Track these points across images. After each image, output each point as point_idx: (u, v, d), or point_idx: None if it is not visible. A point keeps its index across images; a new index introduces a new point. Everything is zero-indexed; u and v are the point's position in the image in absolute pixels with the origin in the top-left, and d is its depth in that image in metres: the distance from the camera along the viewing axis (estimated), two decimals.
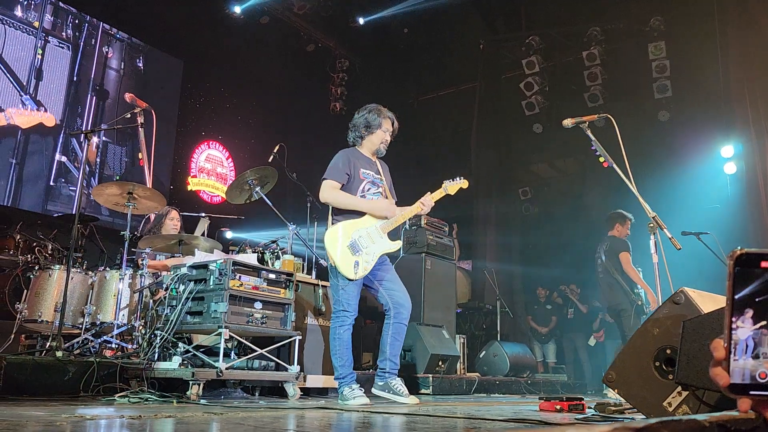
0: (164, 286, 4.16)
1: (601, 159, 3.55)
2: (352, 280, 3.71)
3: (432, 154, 11.17)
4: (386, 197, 4.01)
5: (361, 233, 3.81)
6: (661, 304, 2.21)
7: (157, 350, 3.74)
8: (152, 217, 5.87)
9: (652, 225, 3.29)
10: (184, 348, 3.77)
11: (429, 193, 3.99)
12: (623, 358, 2.23)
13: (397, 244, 3.93)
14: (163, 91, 8.81)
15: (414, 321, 5.90)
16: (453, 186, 4.09)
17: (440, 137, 11.41)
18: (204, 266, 3.87)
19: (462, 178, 4.11)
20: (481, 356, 7.08)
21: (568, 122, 3.67)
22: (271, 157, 5.59)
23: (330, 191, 3.81)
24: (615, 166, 3.46)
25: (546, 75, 9.74)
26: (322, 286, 4.77)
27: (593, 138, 3.59)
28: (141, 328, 4.39)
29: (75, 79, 7.80)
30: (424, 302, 6.19)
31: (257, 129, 9.83)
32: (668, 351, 2.12)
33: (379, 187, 3.99)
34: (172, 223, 5.72)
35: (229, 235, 7.21)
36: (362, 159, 4.00)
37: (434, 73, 11.22)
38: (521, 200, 10.51)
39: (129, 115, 4.89)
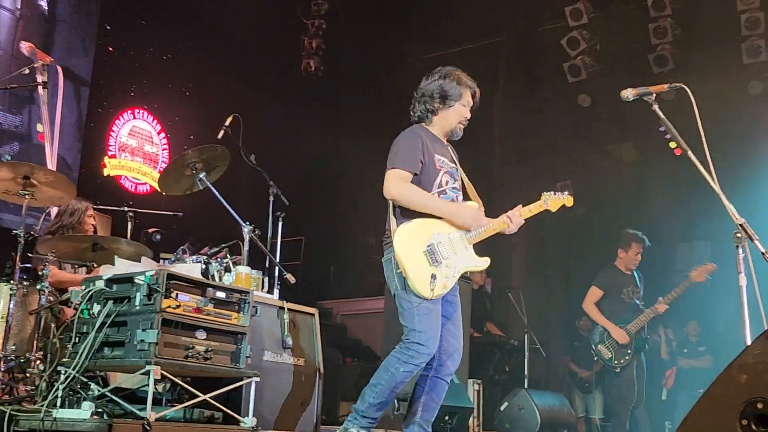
0: (72, 305, 4.14)
1: (673, 144, 3.58)
2: (426, 300, 3.73)
3: None
4: (465, 197, 4.07)
5: (442, 238, 3.86)
6: (751, 342, 2.24)
7: (60, 394, 3.73)
8: (54, 211, 5.85)
9: (739, 235, 3.32)
10: (98, 391, 3.76)
11: (520, 206, 4.06)
12: (697, 414, 2.26)
13: (485, 262, 4.01)
14: (73, 42, 8.77)
15: None
16: (555, 201, 4.17)
17: None
18: (127, 280, 3.87)
19: (567, 193, 4.20)
20: (502, 409, 7.10)
21: (628, 93, 3.69)
22: (222, 132, 5.60)
23: (400, 185, 3.84)
24: (691, 154, 3.49)
25: (597, 28, 9.77)
26: (289, 309, 4.77)
27: (662, 116, 3.61)
28: (38, 362, 4.37)
29: None
30: None
31: (202, 94, 9.80)
32: (760, 405, 2.15)
33: (456, 179, 4.03)
34: (90, 221, 5.70)
35: (159, 237, 7.19)
36: (435, 141, 4.03)
37: (445, 23, 11.22)
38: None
39: (27, 71, 4.88)
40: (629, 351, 6.58)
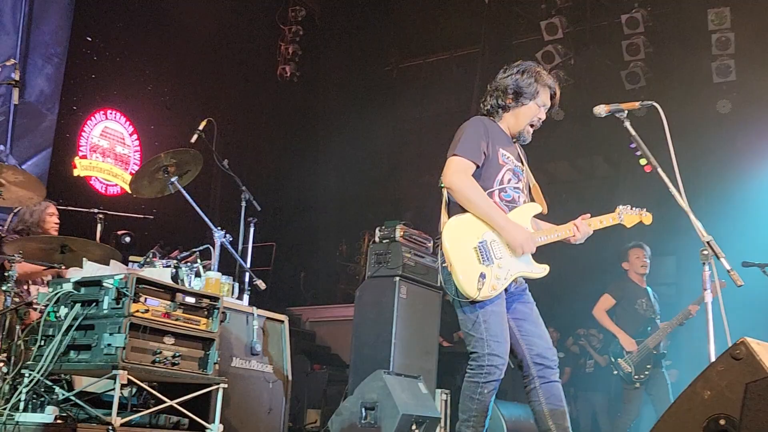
0: (38, 308, 4.10)
1: (643, 161, 3.60)
2: (487, 303, 3.51)
3: (414, 140, 11.23)
4: (529, 198, 3.85)
5: (496, 237, 3.61)
6: (714, 358, 2.27)
7: (23, 397, 3.68)
8: (21, 212, 5.77)
9: (705, 252, 3.36)
10: (63, 395, 3.72)
11: (588, 215, 3.88)
12: (661, 429, 2.29)
13: (543, 269, 3.75)
14: (42, 36, 8.67)
15: (380, 368, 5.93)
16: (631, 216, 3.97)
17: (426, 117, 11.47)
18: (96, 283, 3.83)
19: (646, 211, 4.01)
20: None
21: (600, 109, 3.71)
22: (195, 135, 5.57)
23: (460, 176, 3.58)
24: (660, 171, 3.53)
25: (572, 43, 9.87)
26: (258, 316, 4.75)
27: (633, 132, 3.65)
28: (1, 365, 4.31)
29: None
30: (394, 343, 6.21)
31: (176, 96, 9.76)
32: (722, 422, 2.18)
33: (520, 179, 3.82)
34: (52, 220, 5.65)
35: (128, 240, 7.14)
36: (502, 135, 3.82)
37: (423, 32, 11.28)
38: None
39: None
40: (649, 366, 6.45)
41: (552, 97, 3.90)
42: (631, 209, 4.00)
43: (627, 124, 3.70)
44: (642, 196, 9.44)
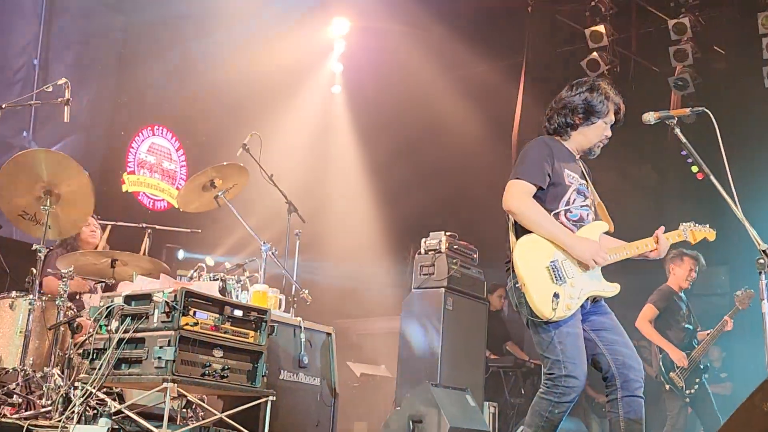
0: (90, 321, 4.17)
1: (695, 168, 3.57)
2: (561, 323, 3.45)
3: (457, 153, 11.20)
4: (595, 215, 3.81)
5: (566, 256, 3.56)
6: None
7: (77, 410, 3.74)
8: None
9: (762, 261, 3.29)
10: (115, 408, 3.77)
11: (663, 227, 3.84)
12: None
13: (615, 288, 3.70)
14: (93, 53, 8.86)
15: (427, 380, 5.91)
16: (698, 232, 3.94)
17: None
18: (146, 297, 3.89)
19: (708, 225, 4.00)
20: None
21: (650, 117, 3.67)
22: (240, 150, 5.64)
23: (521, 199, 3.56)
24: (713, 178, 3.47)
25: (617, 51, 9.79)
26: (305, 328, 4.78)
27: (684, 139, 3.60)
28: (56, 378, 4.39)
29: None
30: (442, 356, 6.19)
31: (221, 109, 9.85)
32: None
33: (587, 197, 3.78)
34: (89, 229, 5.73)
35: (182, 255, 7.24)
36: (566, 155, 3.79)
37: (463, 44, 11.26)
38: None
39: (50, 88, 4.92)
40: (698, 379, 6.35)
41: (617, 112, 3.87)
42: (695, 225, 3.98)
43: (677, 131, 3.65)
44: (692, 204, 9.34)
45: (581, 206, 3.72)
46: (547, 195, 3.64)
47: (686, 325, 6.53)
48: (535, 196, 3.60)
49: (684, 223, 3.98)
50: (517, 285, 3.51)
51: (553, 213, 3.63)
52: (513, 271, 3.54)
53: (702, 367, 6.40)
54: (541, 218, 3.55)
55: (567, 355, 3.45)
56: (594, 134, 3.82)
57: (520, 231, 3.61)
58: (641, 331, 6.55)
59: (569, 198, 3.68)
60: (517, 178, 3.60)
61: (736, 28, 9.22)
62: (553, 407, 3.45)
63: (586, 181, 3.85)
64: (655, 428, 8.97)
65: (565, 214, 3.67)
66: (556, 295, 3.43)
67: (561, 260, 3.54)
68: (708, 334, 6.41)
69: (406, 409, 5.68)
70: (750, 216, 3.37)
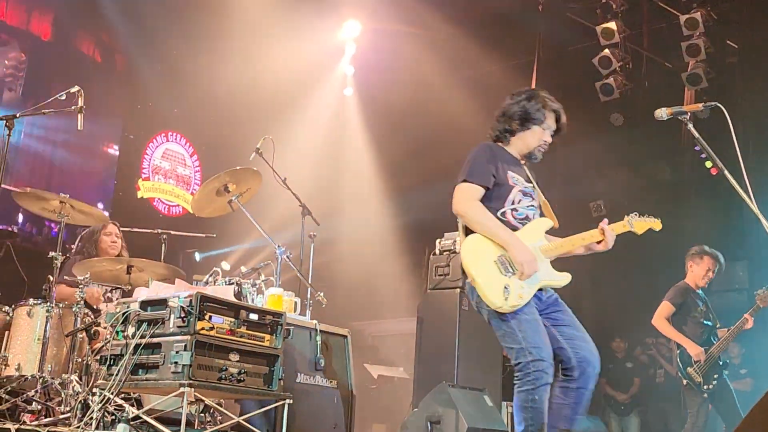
0: (107, 327, 4.19)
1: (709, 164, 3.55)
2: (519, 313, 3.58)
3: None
4: (543, 214, 3.94)
5: None
6: None
7: (95, 415, 3.76)
8: (83, 234, 5.91)
9: None
10: (133, 413, 3.78)
11: (606, 220, 3.93)
12: None
13: (566, 277, 3.82)
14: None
15: (444, 380, 5.90)
16: (641, 223, 4.03)
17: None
18: (162, 302, 3.90)
19: (654, 217, 4.09)
20: None
21: (662, 113, 3.65)
22: (253, 154, 5.65)
23: (467, 203, 3.73)
24: (727, 173, 3.45)
25: (629, 47, 9.74)
26: (321, 331, 4.78)
27: (697, 135, 3.58)
28: (74, 384, 4.42)
29: None
30: (458, 357, 6.17)
31: (234, 114, 9.88)
32: None
33: (533, 199, 3.92)
34: (110, 239, 5.75)
35: (198, 257, 7.25)
36: (509, 159, 3.94)
37: (474, 44, 11.25)
38: (592, 217, 10.46)
39: (64, 97, 4.95)
40: (716, 375, 6.26)
41: (557, 119, 3.99)
42: (639, 216, 4.05)
43: (690, 126, 3.63)
44: (708, 199, 9.28)
45: (527, 206, 3.86)
46: (493, 195, 3.78)
47: (704, 322, 6.47)
48: (483, 197, 3.75)
49: (628, 215, 4.04)
50: (469, 281, 3.65)
51: (500, 212, 3.78)
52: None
53: (721, 363, 6.34)
54: (485, 219, 3.70)
55: (529, 341, 3.55)
56: (532, 139, 3.95)
57: (470, 231, 3.75)
58: (657, 327, 6.54)
59: (514, 198, 3.82)
60: (464, 181, 3.76)
61: (748, 22, 9.16)
62: (532, 395, 3.52)
63: (531, 183, 3.98)
64: (677, 427, 8.93)
65: (512, 213, 3.82)
66: (506, 287, 3.58)
67: (507, 255, 3.66)
68: (728, 330, 6.35)
69: (424, 411, 5.66)
70: (766, 210, 3.34)
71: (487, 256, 3.64)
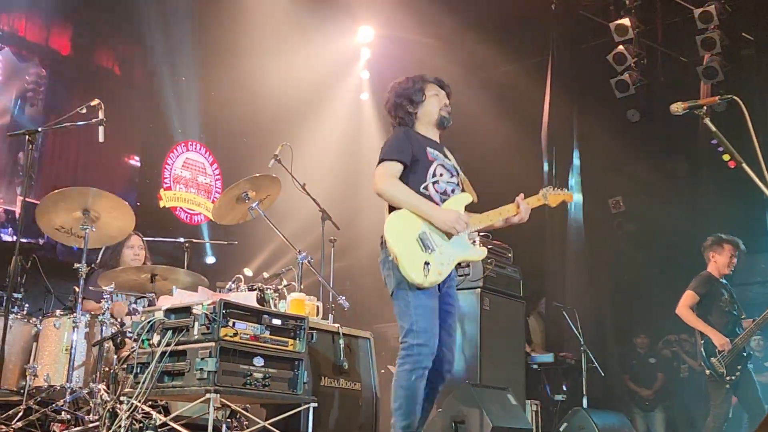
0: (132, 336, 4.21)
1: (726, 157, 3.53)
2: (421, 289, 3.70)
3: (486, 154, 11.15)
4: (463, 189, 4.04)
5: (434, 227, 3.82)
6: None
7: (123, 423, 3.78)
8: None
9: None
10: (160, 420, 3.81)
11: (522, 194, 4.03)
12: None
13: (482, 252, 4.04)
14: None
15: (468, 380, 5.88)
16: (555, 196, 4.13)
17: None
18: (185, 310, 3.92)
19: (566, 189, 4.19)
20: (561, 430, 6.99)
21: (678, 107, 3.63)
22: (272, 160, 5.67)
23: (386, 180, 3.83)
24: (746, 166, 3.42)
25: (643, 43, 9.68)
26: (344, 334, 4.78)
27: (714, 128, 3.55)
28: (102, 393, 4.45)
29: None
30: (481, 356, 6.16)
31: (253, 122, 9.91)
32: None
33: (453, 174, 4.02)
34: (132, 252, 5.78)
35: (210, 260, 7.28)
36: (423, 139, 4.02)
37: (488, 44, 11.23)
38: (611, 214, 10.40)
39: (85, 110, 4.99)
40: (739, 366, 6.19)
41: (439, 84, 4.11)
42: (554, 189, 4.14)
43: (707, 120, 3.60)
44: (727, 193, 9.20)
45: (447, 182, 3.96)
46: (414, 170, 3.87)
47: (730, 311, 6.39)
48: (403, 175, 3.84)
49: (544, 188, 4.13)
50: (389, 258, 3.76)
51: (422, 186, 3.88)
52: (385, 245, 3.79)
53: (746, 354, 6.26)
54: (405, 194, 3.81)
55: (420, 326, 3.69)
56: (432, 106, 4.05)
57: (393, 210, 3.86)
58: (681, 317, 6.45)
59: (434, 171, 3.91)
60: (383, 161, 3.87)
61: (763, 13, 9.07)
62: (410, 374, 3.65)
63: (452, 159, 4.07)
64: (703, 423, 8.84)
65: (433, 186, 3.92)
66: (426, 264, 3.71)
67: (428, 232, 3.78)
68: (753, 322, 6.27)
69: (448, 411, 5.64)
70: None
71: (409, 234, 3.75)
